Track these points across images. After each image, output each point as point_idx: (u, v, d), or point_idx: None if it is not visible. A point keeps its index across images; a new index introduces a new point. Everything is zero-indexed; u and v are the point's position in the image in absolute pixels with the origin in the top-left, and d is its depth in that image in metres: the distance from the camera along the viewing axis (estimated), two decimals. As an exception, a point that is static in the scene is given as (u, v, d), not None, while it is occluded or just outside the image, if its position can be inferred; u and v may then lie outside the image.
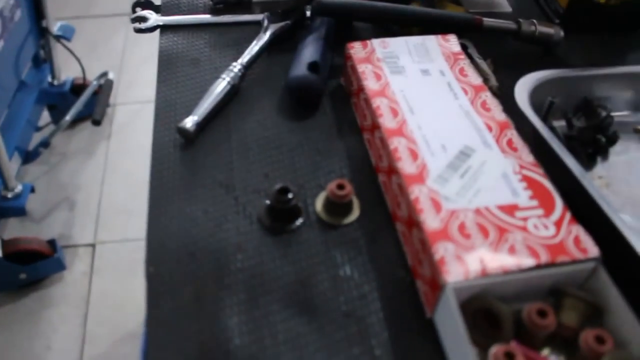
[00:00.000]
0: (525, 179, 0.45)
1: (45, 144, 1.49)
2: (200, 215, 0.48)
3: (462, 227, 0.41)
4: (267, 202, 0.47)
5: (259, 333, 0.41)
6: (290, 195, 0.47)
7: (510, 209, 0.43)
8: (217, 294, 0.43)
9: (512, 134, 0.49)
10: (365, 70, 0.55)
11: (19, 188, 1.34)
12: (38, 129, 1.57)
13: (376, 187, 0.51)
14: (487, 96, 0.53)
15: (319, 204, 0.49)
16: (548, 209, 0.43)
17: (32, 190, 1.38)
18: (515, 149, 0.48)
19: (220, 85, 0.57)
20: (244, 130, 0.56)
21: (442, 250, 0.39)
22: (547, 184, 0.45)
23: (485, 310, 0.39)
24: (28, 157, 1.49)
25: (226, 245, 0.46)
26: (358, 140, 0.55)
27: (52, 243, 1.35)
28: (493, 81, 0.60)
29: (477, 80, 0.55)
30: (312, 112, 0.58)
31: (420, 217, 0.41)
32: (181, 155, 0.53)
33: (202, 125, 0.55)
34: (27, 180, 1.52)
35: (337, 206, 0.48)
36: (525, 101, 0.51)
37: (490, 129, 0.50)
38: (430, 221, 0.41)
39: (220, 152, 0.54)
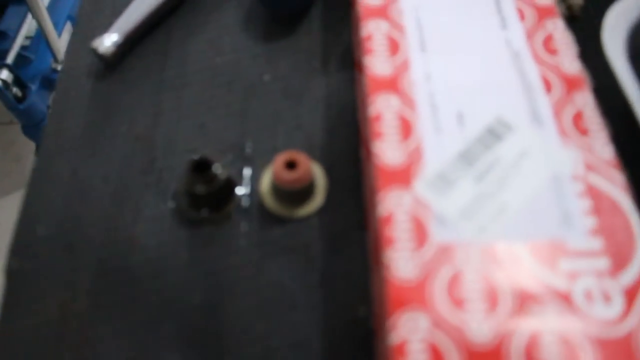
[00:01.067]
0: (591, 192, 0.26)
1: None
2: (98, 184, 0.34)
3: (454, 283, 0.24)
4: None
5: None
6: (215, 172, 0.31)
7: (551, 253, 0.25)
8: (89, 315, 0.29)
9: (586, 101, 0.29)
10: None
11: None
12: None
13: (357, 163, 0.34)
14: (557, 27, 0.32)
15: (266, 182, 0.33)
16: (620, 259, 0.25)
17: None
18: (584, 132, 0.28)
19: (158, -16, 0.39)
20: (186, 54, 0.39)
21: (406, 327, 0.23)
22: (628, 206, 0.26)
23: None
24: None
25: (120, 236, 0.32)
26: (348, 80, 0.37)
27: None
28: (578, -6, 0.38)
29: (546, -4, 0.34)
30: (291, 31, 0.40)
31: (386, 256, 0.25)
32: (94, 88, 0.38)
33: (127, 45, 0.38)
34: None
35: (285, 193, 0.32)
36: (620, 45, 0.30)
37: (549, 88, 0.30)
38: (402, 265, 0.24)
39: (147, 86, 0.37)
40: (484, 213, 0.26)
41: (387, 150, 0.28)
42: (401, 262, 0.24)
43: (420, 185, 0.26)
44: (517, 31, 0.33)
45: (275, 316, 0.29)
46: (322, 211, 0.32)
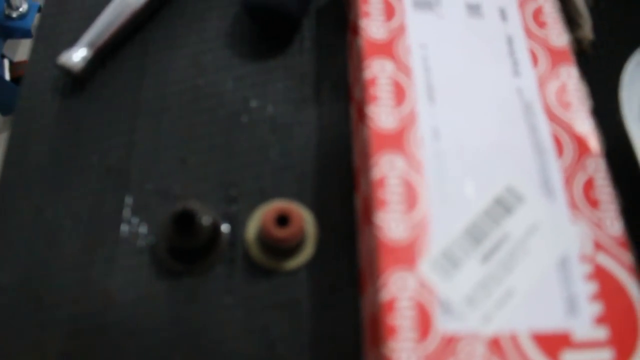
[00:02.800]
0: (598, 274, 0.26)
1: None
2: (68, 224, 0.31)
3: (458, 379, 0.23)
4: (172, 218, 0.29)
5: None
6: (200, 224, 0.28)
7: (555, 344, 0.24)
8: (60, 380, 0.27)
9: (598, 167, 0.28)
10: (368, -2, 0.32)
11: (24, 7, 1.19)
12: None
13: (349, 207, 0.32)
14: (571, 75, 0.31)
15: (252, 230, 0.31)
16: (624, 349, 0.24)
17: (39, 10, 1.25)
18: (595, 204, 0.27)
19: (134, -9, 0.35)
20: (164, 72, 0.35)
21: None
22: (634, 290, 0.25)
23: None
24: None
25: (93, 289, 0.29)
26: (342, 112, 0.34)
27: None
28: (586, 29, 0.36)
29: (559, 37, 0.32)
30: (281, 49, 0.36)
31: (387, 347, 0.23)
32: (60, 108, 0.34)
33: (99, 60, 0.34)
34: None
35: (274, 247, 0.30)
36: (637, 105, 0.29)
37: (560, 151, 0.28)
38: (405, 358, 0.23)
39: (120, 109, 0.34)
40: (489, 301, 0.24)
41: (387, 223, 0.26)
42: (404, 353, 0.23)
43: (425, 266, 0.25)
44: (529, 78, 0.31)
45: (262, 382, 0.28)
46: (312, 263, 0.30)
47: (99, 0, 0.37)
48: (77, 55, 0.33)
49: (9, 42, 1.38)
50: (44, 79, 0.35)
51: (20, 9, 1.19)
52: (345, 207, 0.32)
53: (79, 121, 0.34)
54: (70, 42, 0.36)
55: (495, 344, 0.24)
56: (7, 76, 1.20)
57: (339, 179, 0.33)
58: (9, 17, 1.21)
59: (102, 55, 0.35)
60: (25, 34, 1.25)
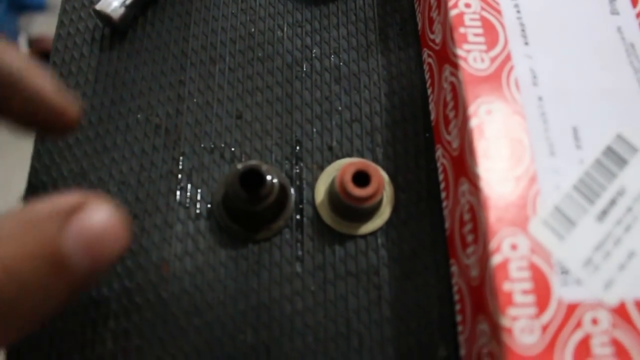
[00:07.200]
0: None
1: None
2: (114, 190, 0.28)
3: (582, 351, 0.21)
4: (235, 177, 0.26)
5: None
6: (269, 185, 0.26)
7: (689, 313, 0.21)
8: None
9: None
10: None
11: None
12: None
13: (425, 165, 0.29)
14: (680, 13, 0.28)
15: (321, 191, 0.28)
16: None
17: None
18: None
19: None
20: (213, 19, 0.32)
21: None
22: None
23: None
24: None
25: (147, 260, 0.27)
26: (413, 57, 0.32)
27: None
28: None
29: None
30: (340, -8, 0.33)
31: (506, 316, 0.21)
32: (100, 62, 0.31)
33: (139, 6, 0.31)
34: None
35: (350, 209, 0.27)
36: None
37: (675, 96, 0.26)
38: (519, 332, 0.21)
39: (166, 60, 0.31)
40: (610, 264, 0.22)
41: (489, 182, 0.23)
42: (516, 330, 0.21)
43: (535, 224, 0.22)
44: (629, 17, 0.28)
45: (342, 359, 0.26)
46: (389, 227, 0.28)
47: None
48: (117, 1, 0.30)
49: (26, 18, 1.34)
50: (79, 30, 0.32)
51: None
52: (420, 164, 0.29)
53: (121, 76, 0.31)
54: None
55: (621, 311, 0.21)
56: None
57: (414, 133, 0.30)
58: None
59: (144, 1, 0.32)
60: (39, 6, 1.25)
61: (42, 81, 0.23)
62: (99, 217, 0.19)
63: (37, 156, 0.29)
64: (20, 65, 0.22)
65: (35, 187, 0.29)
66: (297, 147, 0.30)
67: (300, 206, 0.28)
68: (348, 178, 0.26)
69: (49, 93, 0.23)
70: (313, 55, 0.32)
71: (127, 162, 0.29)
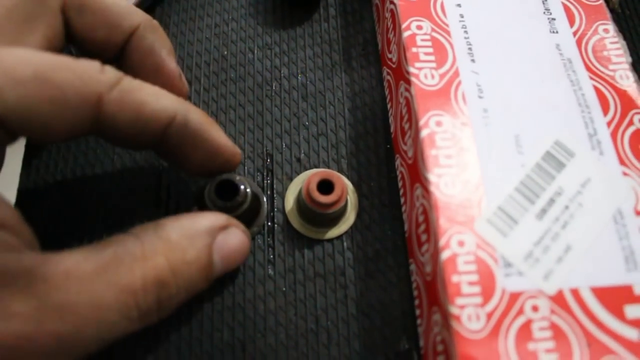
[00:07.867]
0: (654, 227, 0.26)
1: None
2: (92, 195, 0.30)
3: (524, 335, 0.23)
4: (206, 190, 0.28)
5: None
6: (242, 195, 0.28)
7: (617, 299, 0.24)
8: None
9: (644, 122, 0.28)
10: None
11: None
12: None
13: (391, 173, 0.32)
14: (608, 30, 0.31)
15: (290, 199, 0.31)
16: (687, 300, 0.24)
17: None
18: (644, 157, 0.27)
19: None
20: (188, 44, 0.35)
21: (480, 382, 0.22)
22: (693, 244, 0.26)
23: None
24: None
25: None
26: (374, 75, 0.34)
27: None
28: (619, -14, 0.36)
29: (597, -6, 0.32)
30: (306, 17, 0.36)
31: (454, 305, 0.23)
32: (80, 81, 0.33)
33: (117, 30, 0.34)
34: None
35: (316, 215, 0.29)
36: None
37: (606, 106, 0.29)
38: (466, 319, 0.23)
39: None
40: (549, 257, 0.25)
41: (436, 183, 0.26)
42: (463, 319, 0.23)
43: (480, 223, 0.25)
44: (565, 34, 0.31)
45: (312, 353, 0.28)
46: (354, 231, 0.30)
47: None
48: (97, 27, 0.33)
49: None
50: (62, 53, 0.34)
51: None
52: (382, 173, 0.32)
53: (102, 96, 0.33)
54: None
55: (559, 299, 0.24)
56: None
57: (375, 144, 0.32)
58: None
59: (122, 27, 0.34)
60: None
61: (219, 134, 0.26)
62: (236, 238, 0.25)
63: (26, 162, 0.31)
64: (204, 121, 0.25)
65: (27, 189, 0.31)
66: (268, 160, 0.32)
67: (272, 214, 0.31)
68: (313, 187, 0.29)
69: (224, 145, 0.26)
70: (282, 75, 0.34)
71: (109, 177, 0.31)
